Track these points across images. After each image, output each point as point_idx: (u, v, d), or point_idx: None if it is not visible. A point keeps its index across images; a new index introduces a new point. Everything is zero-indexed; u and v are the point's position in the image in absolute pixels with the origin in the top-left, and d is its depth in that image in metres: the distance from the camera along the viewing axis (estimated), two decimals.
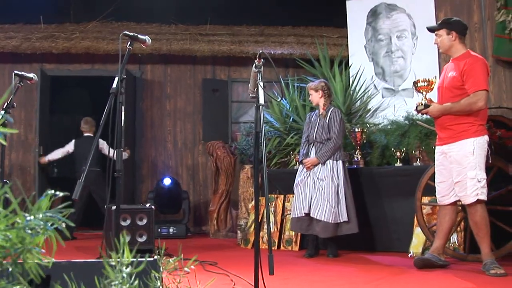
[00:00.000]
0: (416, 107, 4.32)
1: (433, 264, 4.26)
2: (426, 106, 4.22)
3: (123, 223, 5.24)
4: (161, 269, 1.12)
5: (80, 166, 7.12)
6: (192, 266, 1.22)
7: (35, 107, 8.05)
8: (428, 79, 4.32)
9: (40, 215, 0.90)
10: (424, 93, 4.30)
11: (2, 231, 0.88)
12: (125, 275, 0.98)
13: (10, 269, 0.91)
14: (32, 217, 0.90)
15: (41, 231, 0.90)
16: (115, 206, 3.20)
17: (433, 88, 4.35)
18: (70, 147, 7.46)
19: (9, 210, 0.93)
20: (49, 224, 0.91)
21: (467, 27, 4.39)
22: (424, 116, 5.93)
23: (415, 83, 4.36)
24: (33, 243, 0.90)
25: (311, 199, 5.16)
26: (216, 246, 6.39)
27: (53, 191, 0.97)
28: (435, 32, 4.30)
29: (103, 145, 7.13)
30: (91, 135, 7.42)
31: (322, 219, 5.05)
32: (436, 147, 4.36)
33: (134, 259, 1.15)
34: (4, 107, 3.74)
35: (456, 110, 4.09)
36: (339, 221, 5.09)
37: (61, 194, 0.96)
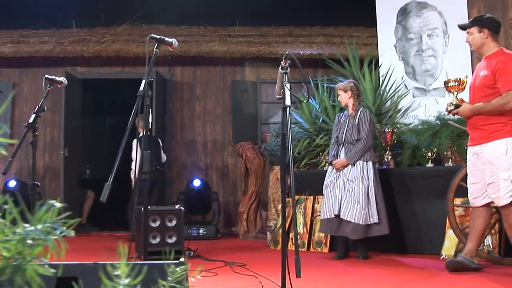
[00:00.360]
0: (447, 108, 4.23)
1: (466, 267, 4.16)
2: (457, 106, 4.12)
3: (152, 224, 5.28)
4: (169, 277, 1.11)
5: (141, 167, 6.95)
6: (199, 276, 1.21)
7: (66, 109, 8.18)
8: (459, 78, 4.22)
9: (40, 226, 0.90)
10: (455, 93, 4.20)
11: (1, 242, 0.88)
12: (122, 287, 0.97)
13: (14, 278, 0.91)
14: (32, 227, 0.91)
15: (40, 242, 0.90)
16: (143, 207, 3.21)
17: (464, 87, 4.24)
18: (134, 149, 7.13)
19: (9, 220, 0.94)
20: (49, 235, 0.91)
21: (500, 24, 4.26)
22: (456, 116, 5.85)
23: (445, 82, 4.27)
24: (32, 254, 0.91)
25: (341, 200, 5.11)
26: (245, 248, 6.39)
27: (54, 201, 0.97)
28: (467, 30, 4.19)
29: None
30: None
31: (352, 221, 5.00)
32: (468, 148, 4.25)
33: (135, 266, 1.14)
34: (35, 110, 3.80)
35: (487, 110, 3.98)
36: (369, 223, 5.03)
37: (59, 205, 0.96)
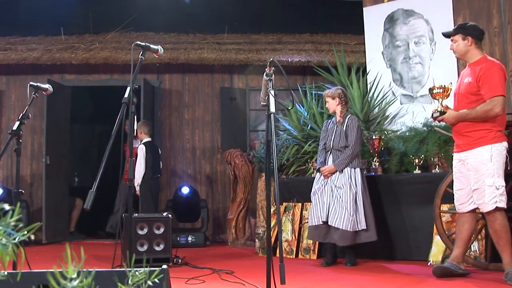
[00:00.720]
0: (432, 114, 4.26)
1: (452, 272, 4.18)
2: (442, 113, 4.15)
3: (140, 232, 5.26)
4: (129, 282, 1.10)
5: (148, 173, 6.80)
6: (157, 280, 1.20)
7: (53, 116, 8.14)
8: (444, 85, 4.25)
9: None
10: (440, 99, 4.22)
11: None
12: None
13: None
14: None
15: None
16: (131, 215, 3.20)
17: (449, 94, 4.27)
18: (144, 155, 6.85)
19: None
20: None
21: (484, 32, 4.31)
22: (442, 122, 5.89)
23: (430, 89, 4.29)
24: None
25: (329, 207, 5.12)
26: (234, 255, 6.38)
27: (5, 205, 0.96)
28: (451, 38, 4.23)
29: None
30: (150, 139, 7.06)
31: (340, 227, 5.00)
32: (454, 154, 4.29)
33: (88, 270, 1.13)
34: (20, 117, 3.78)
35: (472, 117, 4.01)
36: (357, 229, 5.03)
37: (7, 207, 0.95)
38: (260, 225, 6.52)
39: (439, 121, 4.34)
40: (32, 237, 1.00)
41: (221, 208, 8.49)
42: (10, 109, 8.44)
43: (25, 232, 0.95)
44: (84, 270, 1.04)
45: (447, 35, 4.28)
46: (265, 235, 6.27)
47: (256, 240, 6.48)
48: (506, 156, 4.02)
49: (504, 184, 3.98)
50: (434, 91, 4.24)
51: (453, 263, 4.22)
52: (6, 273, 0.95)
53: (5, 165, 8.08)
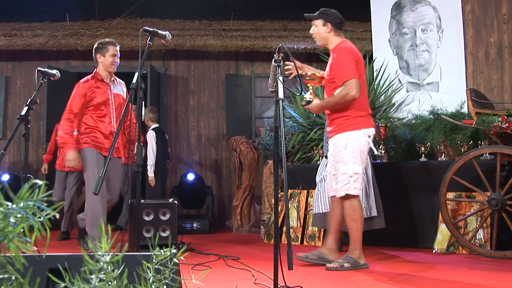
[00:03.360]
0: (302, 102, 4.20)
1: (315, 260, 4.27)
2: (308, 102, 4.07)
3: (146, 218, 5.28)
4: (153, 261, 1.12)
5: (159, 159, 6.84)
6: (182, 257, 1.21)
7: (57, 103, 8.14)
8: (315, 73, 4.16)
9: (22, 204, 0.90)
10: (311, 87, 4.12)
11: None
12: (103, 264, 0.98)
13: None
14: (14, 205, 0.91)
15: (22, 220, 0.90)
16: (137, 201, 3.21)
17: (321, 82, 4.21)
18: (154, 142, 6.83)
19: None
20: (30, 213, 0.91)
21: (344, 22, 4.32)
22: (449, 110, 5.88)
23: (303, 76, 4.07)
24: (14, 232, 0.91)
25: None
26: (239, 241, 6.40)
27: (37, 180, 0.97)
28: (312, 21, 4.26)
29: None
30: (158, 125, 7.12)
31: None
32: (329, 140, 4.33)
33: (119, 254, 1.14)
34: (28, 103, 3.79)
35: (332, 104, 4.02)
36: (368, 216, 5.02)
37: (41, 182, 0.96)
38: (265, 212, 6.54)
39: (307, 109, 4.33)
40: (57, 215, 1.02)
41: (226, 194, 8.51)
42: (16, 95, 8.45)
43: (49, 212, 0.96)
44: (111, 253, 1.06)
45: (309, 18, 4.30)
46: (270, 221, 6.29)
47: (261, 227, 6.50)
48: (368, 142, 4.06)
49: (359, 171, 4.01)
50: (307, 78, 4.09)
51: (321, 251, 4.30)
52: (35, 248, 0.97)
53: (11, 151, 8.11)
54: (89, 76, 4.74)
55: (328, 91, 4.13)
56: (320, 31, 4.21)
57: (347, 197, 4.04)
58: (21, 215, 0.90)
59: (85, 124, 4.68)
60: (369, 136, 4.10)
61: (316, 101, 4.07)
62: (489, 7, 6.15)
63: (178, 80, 8.72)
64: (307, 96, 4.07)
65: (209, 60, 8.74)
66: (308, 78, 4.06)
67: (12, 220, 0.90)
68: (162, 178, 6.93)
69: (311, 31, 4.31)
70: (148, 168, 6.72)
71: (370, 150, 4.12)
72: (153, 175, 6.73)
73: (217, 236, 7.02)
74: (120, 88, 4.92)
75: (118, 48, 4.77)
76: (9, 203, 0.96)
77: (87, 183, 4.53)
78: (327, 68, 4.14)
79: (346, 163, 4.00)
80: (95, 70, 4.74)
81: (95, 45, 4.75)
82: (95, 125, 4.65)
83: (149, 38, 3.26)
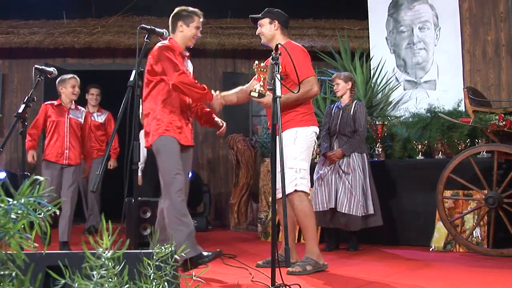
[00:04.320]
0: (250, 92, 3.81)
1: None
2: (261, 95, 3.75)
3: (143, 216, 5.28)
4: (154, 257, 1.12)
5: (151, 159, 6.78)
6: (183, 254, 1.21)
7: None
8: (266, 65, 3.85)
9: (22, 200, 0.90)
10: (262, 78, 3.79)
11: None
12: (104, 260, 0.98)
13: None
14: (15, 201, 0.91)
15: (22, 216, 0.90)
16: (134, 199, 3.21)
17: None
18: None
19: None
20: (32, 210, 0.91)
21: (288, 19, 4.31)
22: (447, 108, 5.89)
23: (256, 65, 3.85)
24: (15, 228, 0.91)
25: (336, 192, 5.09)
26: (236, 239, 6.40)
27: (38, 176, 0.97)
28: (258, 22, 4.22)
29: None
30: None
31: (350, 213, 4.98)
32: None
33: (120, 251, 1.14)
34: (25, 100, 3.78)
35: (293, 100, 3.92)
36: (366, 214, 5.03)
37: (42, 178, 0.96)
38: (262, 209, 6.54)
39: (257, 102, 4.09)
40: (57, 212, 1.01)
41: (223, 193, 8.51)
42: (13, 92, 8.43)
43: (49, 209, 0.96)
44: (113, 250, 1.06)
45: (254, 19, 4.26)
46: (267, 219, 6.29)
47: (259, 225, 6.51)
48: (315, 141, 4.06)
49: (306, 168, 3.98)
50: (260, 69, 3.80)
51: (281, 254, 4.20)
52: (34, 245, 0.97)
53: (8, 148, 8.09)
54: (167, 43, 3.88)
55: (284, 87, 3.92)
56: (268, 29, 4.19)
57: (296, 193, 3.96)
58: (22, 211, 0.90)
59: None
60: (316, 135, 4.13)
61: (269, 95, 3.66)
62: (486, 5, 6.16)
63: None
64: (258, 87, 3.72)
65: (206, 58, 8.72)
66: (261, 69, 3.78)
67: (13, 216, 0.90)
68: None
69: (258, 32, 4.27)
70: (139, 165, 6.64)
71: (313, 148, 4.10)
72: (140, 174, 6.66)
73: (214, 234, 7.03)
74: None
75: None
76: (10, 199, 0.96)
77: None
78: (278, 68, 3.90)
79: (294, 158, 3.95)
80: (168, 38, 3.89)
81: (178, 11, 4.09)
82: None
83: (146, 36, 3.25)
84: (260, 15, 4.26)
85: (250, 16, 4.37)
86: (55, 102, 5.51)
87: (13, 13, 8.46)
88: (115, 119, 6.06)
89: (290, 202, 4.00)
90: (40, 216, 0.94)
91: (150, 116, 3.74)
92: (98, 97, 7.13)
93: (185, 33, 3.98)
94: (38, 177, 0.98)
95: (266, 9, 4.30)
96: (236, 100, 4.31)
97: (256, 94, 3.70)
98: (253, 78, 4.35)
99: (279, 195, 3.93)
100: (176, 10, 4.11)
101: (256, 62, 3.87)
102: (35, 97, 3.87)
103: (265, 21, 4.21)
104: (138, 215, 5.18)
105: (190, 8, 4.09)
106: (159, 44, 3.76)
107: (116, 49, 8.36)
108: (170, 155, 3.74)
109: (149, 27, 3.24)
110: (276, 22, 4.19)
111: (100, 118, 7.01)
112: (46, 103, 5.59)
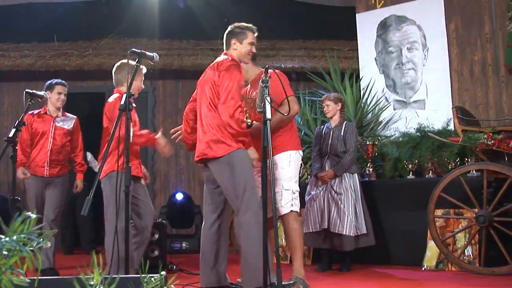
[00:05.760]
0: None
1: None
2: (249, 126, 3.81)
3: (151, 238, 5.24)
4: (144, 286, 1.12)
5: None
6: (173, 286, 1.21)
7: None
8: (250, 97, 4.09)
9: (15, 237, 0.91)
10: (247, 109, 3.97)
11: None
12: None
13: None
14: (7, 238, 0.91)
15: (15, 253, 0.91)
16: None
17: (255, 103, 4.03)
18: None
19: None
20: (24, 246, 0.92)
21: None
22: (436, 127, 5.94)
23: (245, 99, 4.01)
24: (7, 264, 0.91)
25: (329, 213, 5.10)
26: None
27: (29, 213, 0.98)
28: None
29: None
30: None
31: (344, 233, 4.98)
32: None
33: (108, 276, 1.14)
34: (16, 125, 3.78)
35: (277, 122, 3.92)
36: (358, 234, 5.03)
37: (33, 216, 0.97)
38: None
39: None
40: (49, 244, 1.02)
41: None
42: (3, 116, 8.41)
43: (41, 240, 0.96)
44: (106, 276, 1.06)
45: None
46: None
47: None
48: (301, 164, 4.15)
49: (298, 189, 4.09)
50: (245, 103, 3.94)
51: None
52: (28, 280, 0.97)
53: None
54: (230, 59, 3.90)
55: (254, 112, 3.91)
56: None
57: (291, 213, 4.02)
58: (13, 247, 0.91)
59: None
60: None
61: (257, 124, 3.87)
62: (472, 26, 6.26)
63: (166, 99, 8.73)
64: (246, 119, 3.83)
65: (197, 79, 8.74)
66: (251, 102, 3.91)
67: (5, 252, 0.91)
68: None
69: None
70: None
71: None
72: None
73: None
74: None
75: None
76: (2, 236, 0.97)
77: None
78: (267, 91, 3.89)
79: (289, 179, 4.04)
80: (228, 55, 3.93)
81: (231, 29, 3.98)
82: None
83: (137, 59, 3.27)
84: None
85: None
86: (41, 111, 5.27)
87: (4, 36, 8.48)
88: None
89: (285, 221, 4.04)
90: (31, 249, 0.95)
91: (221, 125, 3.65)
92: (65, 98, 5.56)
93: (239, 50, 3.94)
94: (29, 213, 0.99)
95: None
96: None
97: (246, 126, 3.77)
98: None
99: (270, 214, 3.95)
100: (229, 28, 4.02)
101: (245, 97, 3.98)
102: (25, 122, 3.87)
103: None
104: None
105: (244, 24, 3.98)
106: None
107: (108, 71, 8.30)
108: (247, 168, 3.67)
109: (139, 51, 3.27)
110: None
111: (66, 124, 5.53)
112: (29, 112, 5.11)
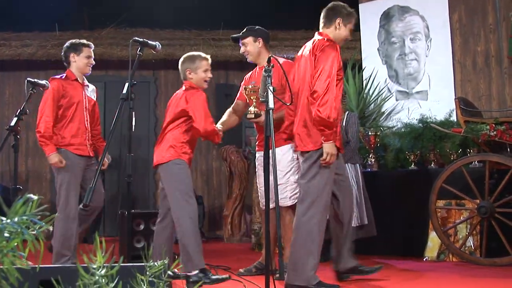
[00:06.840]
0: (247, 115, 3.95)
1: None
2: (257, 115, 3.84)
3: (137, 228, 5.26)
4: (147, 273, 1.12)
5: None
6: (176, 270, 1.21)
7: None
8: (255, 86, 3.97)
9: (16, 219, 0.90)
10: (254, 99, 3.87)
11: None
12: (98, 277, 0.98)
13: None
14: (9, 220, 0.91)
15: (16, 235, 0.90)
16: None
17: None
18: None
19: None
20: (25, 228, 0.91)
21: (269, 36, 4.39)
22: (438, 118, 5.92)
23: (245, 89, 3.94)
24: (9, 246, 0.91)
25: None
26: (230, 251, 6.39)
27: (31, 195, 0.97)
28: (241, 41, 4.27)
29: None
30: None
31: None
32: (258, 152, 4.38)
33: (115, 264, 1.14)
34: (17, 113, 3.78)
35: (279, 118, 3.94)
36: (360, 224, 5.03)
37: (35, 197, 0.96)
38: (256, 221, 6.54)
39: (253, 122, 4.20)
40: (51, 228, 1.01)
41: (216, 204, 8.49)
42: (5, 105, 8.41)
43: (42, 226, 0.96)
44: (107, 264, 1.06)
45: (236, 38, 4.32)
46: (261, 231, 6.28)
47: (252, 236, 6.50)
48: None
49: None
50: (250, 91, 3.85)
51: (261, 262, 4.33)
52: (29, 263, 0.97)
53: (0, 161, 8.06)
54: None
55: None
56: (253, 47, 4.25)
57: (292, 205, 4.03)
58: (15, 229, 0.90)
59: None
60: None
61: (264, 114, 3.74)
62: (475, 17, 6.22)
63: (168, 90, 8.71)
64: (252, 109, 3.80)
65: None
66: (251, 91, 3.84)
67: (6, 234, 0.90)
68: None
69: (242, 51, 4.32)
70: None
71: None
72: None
73: (208, 246, 6.99)
74: None
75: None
76: (3, 218, 0.96)
77: None
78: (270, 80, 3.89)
79: (295, 172, 4.06)
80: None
81: (337, 6, 3.85)
82: None
83: (139, 48, 3.26)
84: (242, 34, 4.29)
85: (232, 36, 4.45)
86: (67, 75, 4.37)
87: (5, 25, 8.46)
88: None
89: (283, 213, 4.07)
90: (34, 233, 0.94)
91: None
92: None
93: (340, 32, 3.76)
94: (31, 195, 0.98)
95: (247, 27, 4.33)
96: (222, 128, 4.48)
97: (252, 116, 3.82)
98: (236, 98, 4.78)
99: (271, 205, 3.92)
100: (333, 4, 3.82)
101: (244, 87, 4.00)
102: (27, 110, 3.87)
103: (249, 40, 4.26)
104: (132, 228, 5.16)
105: (349, 8, 3.82)
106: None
107: (109, 61, 8.36)
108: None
109: (141, 40, 3.26)
110: (260, 39, 4.25)
111: (92, 94, 4.67)
112: (54, 77, 4.40)
